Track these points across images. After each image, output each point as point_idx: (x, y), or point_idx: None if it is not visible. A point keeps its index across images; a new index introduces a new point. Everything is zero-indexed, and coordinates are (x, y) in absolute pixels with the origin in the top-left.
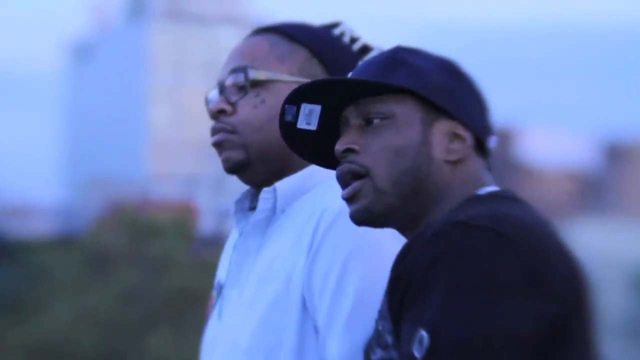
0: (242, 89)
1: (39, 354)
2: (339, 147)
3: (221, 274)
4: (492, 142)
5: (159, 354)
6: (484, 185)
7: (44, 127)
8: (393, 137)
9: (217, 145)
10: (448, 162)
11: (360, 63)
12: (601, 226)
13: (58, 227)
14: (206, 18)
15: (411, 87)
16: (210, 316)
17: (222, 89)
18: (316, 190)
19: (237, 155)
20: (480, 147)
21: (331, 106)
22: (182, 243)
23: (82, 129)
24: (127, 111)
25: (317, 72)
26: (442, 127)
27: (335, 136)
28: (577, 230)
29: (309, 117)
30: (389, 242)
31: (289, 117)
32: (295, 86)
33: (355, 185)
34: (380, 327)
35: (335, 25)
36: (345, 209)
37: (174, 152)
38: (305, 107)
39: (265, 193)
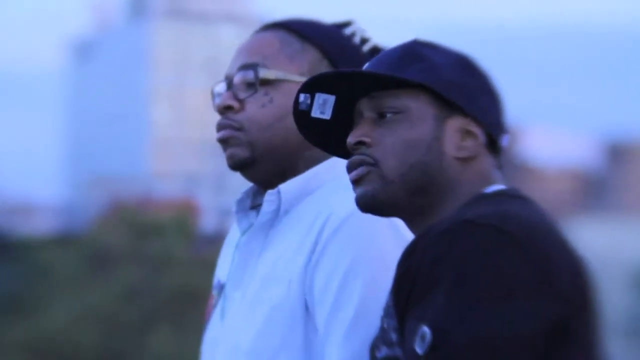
0: (251, 86)
1: (39, 352)
2: (351, 139)
3: (221, 272)
4: (505, 141)
5: (160, 352)
6: (492, 183)
7: (46, 126)
8: (405, 132)
9: (223, 141)
10: (458, 159)
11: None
12: (602, 225)
13: (59, 226)
14: (207, 16)
15: (424, 82)
16: (212, 316)
17: (230, 84)
18: (321, 191)
19: (242, 152)
20: (492, 144)
21: (345, 97)
22: (183, 241)
23: (83, 128)
24: (129, 109)
25: None
26: (454, 124)
27: (349, 127)
28: (578, 229)
29: (323, 107)
30: (393, 250)
31: (303, 107)
32: None
33: (361, 168)
34: (385, 325)
35: (346, 24)
36: (352, 214)
37: (175, 151)
38: (319, 97)
39: (270, 195)
